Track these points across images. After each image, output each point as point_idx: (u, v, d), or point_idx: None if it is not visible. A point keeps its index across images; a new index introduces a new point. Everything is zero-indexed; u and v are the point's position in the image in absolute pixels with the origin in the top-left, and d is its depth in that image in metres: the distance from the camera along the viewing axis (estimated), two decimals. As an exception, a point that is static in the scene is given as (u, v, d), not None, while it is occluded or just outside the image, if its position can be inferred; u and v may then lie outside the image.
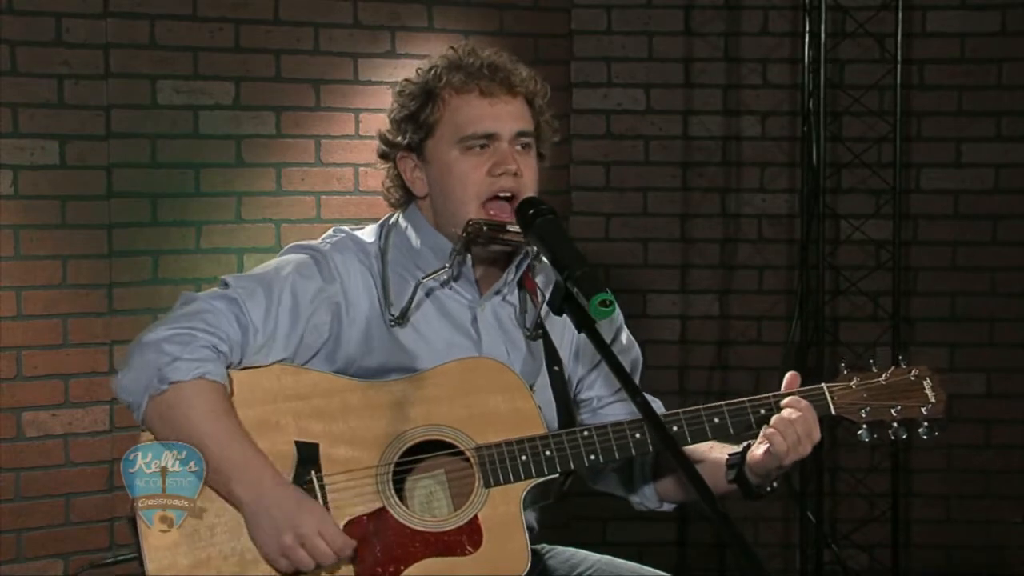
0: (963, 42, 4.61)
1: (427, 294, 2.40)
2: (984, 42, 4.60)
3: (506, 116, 2.36)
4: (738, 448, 2.38)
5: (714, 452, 2.43)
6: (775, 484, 2.38)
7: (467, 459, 2.29)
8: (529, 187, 2.36)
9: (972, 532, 4.67)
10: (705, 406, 2.36)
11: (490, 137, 2.35)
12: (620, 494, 2.59)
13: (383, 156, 2.46)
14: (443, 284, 2.41)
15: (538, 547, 2.50)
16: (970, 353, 4.62)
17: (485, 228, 2.32)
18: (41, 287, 3.85)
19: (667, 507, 2.56)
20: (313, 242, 2.43)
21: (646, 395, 2.53)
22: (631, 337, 2.58)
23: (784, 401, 2.33)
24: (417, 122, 2.39)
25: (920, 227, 4.66)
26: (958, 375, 4.57)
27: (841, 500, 4.67)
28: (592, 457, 2.31)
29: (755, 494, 2.39)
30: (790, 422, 2.30)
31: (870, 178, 4.56)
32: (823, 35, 4.43)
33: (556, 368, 2.45)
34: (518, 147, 2.37)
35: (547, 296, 2.41)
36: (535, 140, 2.41)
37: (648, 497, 2.55)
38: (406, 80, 2.44)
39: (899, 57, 4.45)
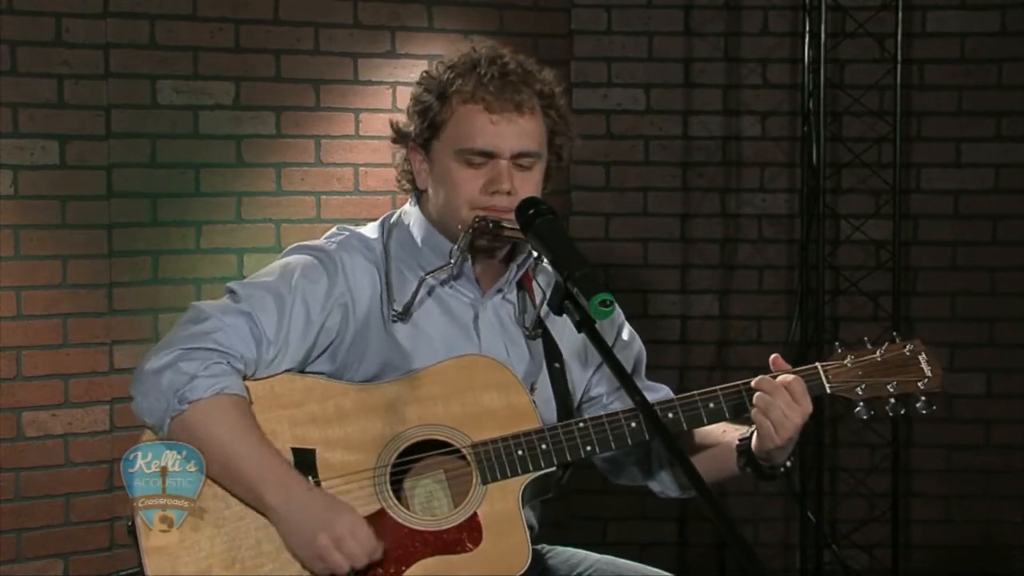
0: (963, 42, 4.61)
1: (429, 292, 2.40)
2: (984, 42, 4.60)
3: (508, 135, 2.35)
4: (747, 431, 2.37)
5: (727, 435, 2.43)
6: (788, 463, 2.37)
7: (461, 456, 2.29)
8: None
9: (972, 532, 4.67)
10: (700, 391, 2.36)
11: (487, 155, 2.35)
12: (642, 484, 2.58)
13: (395, 142, 2.47)
14: (443, 283, 2.41)
15: (538, 547, 2.50)
16: (970, 353, 4.61)
17: (491, 225, 2.32)
18: (41, 287, 3.85)
19: (689, 494, 2.52)
20: (317, 242, 2.43)
21: (653, 383, 2.55)
22: (633, 332, 2.58)
23: (775, 384, 2.32)
24: (426, 118, 2.39)
25: (920, 227, 4.66)
26: (958, 375, 4.57)
27: (841, 500, 4.67)
28: (588, 448, 2.31)
29: (769, 476, 2.38)
30: (770, 399, 2.29)
31: (870, 178, 4.56)
32: (823, 35, 4.43)
33: (556, 365, 2.45)
34: (517, 165, 2.36)
35: (547, 295, 2.43)
36: (548, 145, 2.40)
37: (668, 485, 2.54)
38: (426, 72, 2.44)
39: (899, 57, 4.44)
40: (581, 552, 2.57)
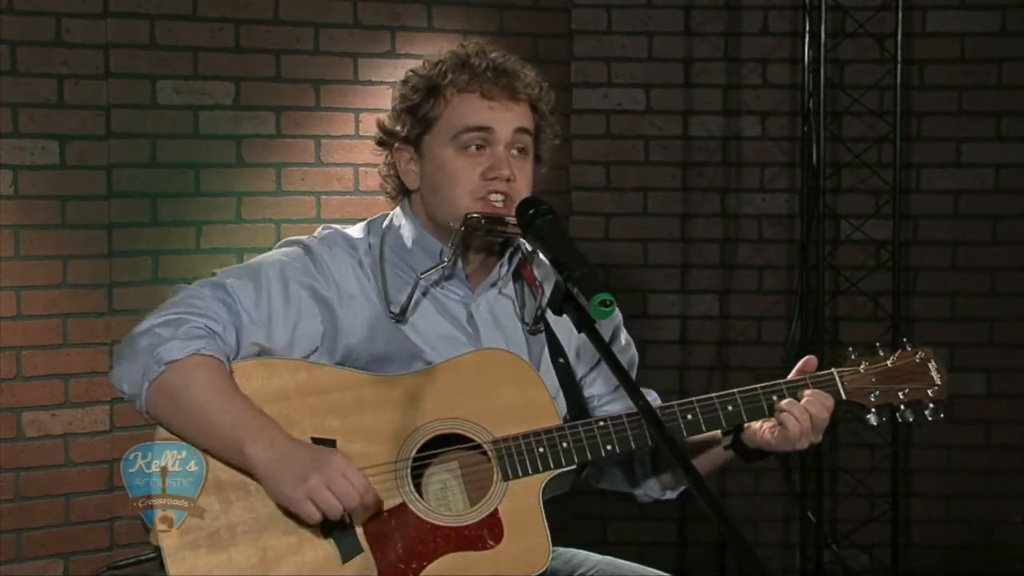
0: (963, 42, 4.61)
1: (423, 293, 2.41)
2: (984, 42, 4.60)
3: (504, 119, 2.36)
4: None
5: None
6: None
7: (480, 451, 2.29)
8: (522, 193, 2.36)
9: (972, 532, 4.67)
10: (718, 394, 2.37)
11: (484, 131, 2.35)
12: (624, 489, 2.59)
13: (380, 144, 2.48)
14: (435, 283, 2.42)
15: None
16: (970, 353, 4.62)
17: (483, 221, 2.33)
18: (41, 287, 3.85)
19: (670, 495, 2.56)
20: (302, 236, 2.45)
21: (642, 388, 2.55)
22: (629, 337, 2.59)
23: (806, 392, 2.36)
24: (416, 116, 2.40)
25: (920, 227, 4.66)
26: (958, 375, 4.57)
27: (841, 500, 4.67)
28: (609, 447, 2.31)
29: (753, 458, 2.41)
30: (805, 409, 2.33)
31: (870, 178, 4.57)
32: (823, 35, 4.43)
33: (561, 360, 2.45)
34: (514, 151, 2.37)
35: (545, 289, 2.43)
36: (534, 143, 2.42)
37: (651, 488, 2.55)
38: (412, 71, 2.45)
39: (899, 57, 4.45)
40: (582, 553, 2.57)
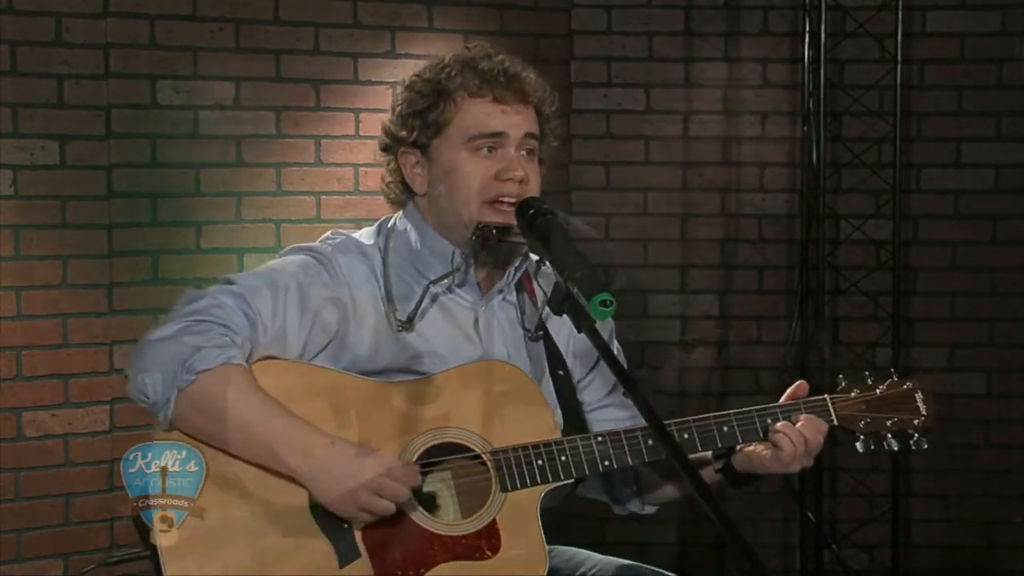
0: (963, 42, 4.61)
1: (432, 299, 2.39)
2: (984, 42, 4.60)
3: (517, 123, 2.35)
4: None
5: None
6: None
7: (475, 460, 2.28)
8: (533, 194, 2.35)
9: (972, 532, 4.67)
10: (715, 414, 2.37)
11: (499, 136, 2.34)
12: (604, 499, 2.60)
13: (385, 149, 2.45)
14: (447, 289, 2.40)
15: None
16: (970, 353, 4.62)
17: (495, 231, 2.32)
18: (41, 287, 3.85)
19: (649, 510, 2.58)
20: (313, 244, 2.41)
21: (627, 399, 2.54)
22: (619, 347, 2.58)
23: (800, 416, 2.38)
24: (426, 120, 2.37)
25: (920, 227, 4.66)
26: (958, 375, 4.57)
27: (841, 500, 4.67)
28: (606, 463, 2.31)
29: (742, 484, 2.43)
30: (800, 432, 2.35)
31: (870, 178, 4.57)
32: (823, 35, 4.43)
33: (560, 372, 2.45)
34: (523, 153, 2.36)
35: (548, 296, 2.42)
36: (539, 145, 2.41)
37: (630, 501, 2.57)
38: (416, 76, 2.42)
39: (899, 57, 4.45)
40: (583, 552, 2.57)
